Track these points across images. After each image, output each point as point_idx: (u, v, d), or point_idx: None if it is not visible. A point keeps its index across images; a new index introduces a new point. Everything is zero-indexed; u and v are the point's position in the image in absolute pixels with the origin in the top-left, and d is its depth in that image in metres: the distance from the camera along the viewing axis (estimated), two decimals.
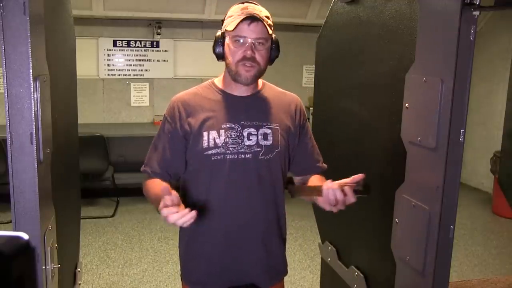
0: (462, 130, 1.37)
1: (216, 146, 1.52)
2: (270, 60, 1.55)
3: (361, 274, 1.93)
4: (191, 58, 5.83)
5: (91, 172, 4.80)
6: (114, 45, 5.63)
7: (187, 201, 1.58)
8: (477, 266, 3.90)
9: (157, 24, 5.50)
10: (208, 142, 1.52)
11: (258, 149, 1.55)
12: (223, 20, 1.57)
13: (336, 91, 2.14)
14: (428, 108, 1.42)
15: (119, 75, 5.70)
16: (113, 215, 4.85)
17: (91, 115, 5.58)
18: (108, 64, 5.65)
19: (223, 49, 1.54)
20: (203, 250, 1.61)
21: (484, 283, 2.39)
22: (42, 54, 1.33)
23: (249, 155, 1.54)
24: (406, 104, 1.53)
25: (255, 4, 1.53)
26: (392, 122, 1.63)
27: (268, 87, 1.65)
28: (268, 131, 1.57)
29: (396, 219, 1.61)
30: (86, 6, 4.89)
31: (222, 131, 1.53)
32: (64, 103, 1.73)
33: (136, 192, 5.19)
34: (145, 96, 5.78)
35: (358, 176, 1.40)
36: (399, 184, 1.58)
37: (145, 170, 1.61)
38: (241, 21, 1.45)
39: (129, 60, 5.71)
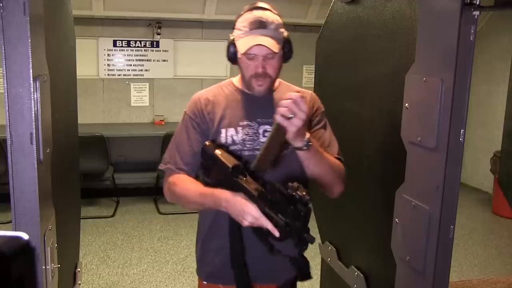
0: (462, 130, 1.37)
1: (234, 143, 1.55)
2: (284, 60, 1.57)
3: (361, 274, 1.93)
4: (191, 58, 5.82)
5: (91, 172, 4.80)
6: (114, 45, 5.63)
7: None
8: (477, 266, 3.90)
9: (157, 24, 5.50)
10: (226, 139, 1.55)
11: None
12: (234, 24, 1.55)
13: (336, 91, 2.14)
14: (428, 108, 1.42)
15: (119, 75, 5.69)
16: (113, 215, 4.85)
17: (91, 115, 5.58)
18: (108, 64, 5.65)
19: (235, 55, 1.55)
20: (220, 245, 1.60)
21: (484, 283, 2.40)
22: (42, 54, 1.33)
23: None
24: (406, 104, 1.53)
25: (264, 9, 1.52)
26: (392, 122, 1.63)
27: (285, 86, 1.66)
28: None
29: (396, 219, 1.61)
30: (86, 6, 4.89)
31: (239, 129, 1.56)
32: (64, 103, 1.73)
33: (136, 192, 5.27)
34: (145, 96, 5.78)
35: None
36: (399, 184, 1.58)
37: (168, 168, 1.59)
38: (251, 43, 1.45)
39: (129, 60, 5.70)
